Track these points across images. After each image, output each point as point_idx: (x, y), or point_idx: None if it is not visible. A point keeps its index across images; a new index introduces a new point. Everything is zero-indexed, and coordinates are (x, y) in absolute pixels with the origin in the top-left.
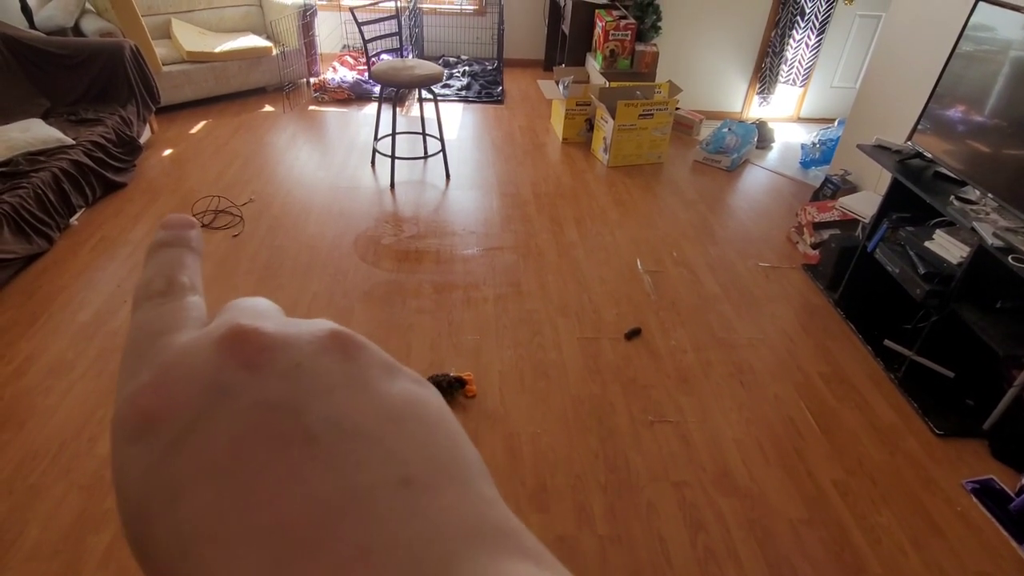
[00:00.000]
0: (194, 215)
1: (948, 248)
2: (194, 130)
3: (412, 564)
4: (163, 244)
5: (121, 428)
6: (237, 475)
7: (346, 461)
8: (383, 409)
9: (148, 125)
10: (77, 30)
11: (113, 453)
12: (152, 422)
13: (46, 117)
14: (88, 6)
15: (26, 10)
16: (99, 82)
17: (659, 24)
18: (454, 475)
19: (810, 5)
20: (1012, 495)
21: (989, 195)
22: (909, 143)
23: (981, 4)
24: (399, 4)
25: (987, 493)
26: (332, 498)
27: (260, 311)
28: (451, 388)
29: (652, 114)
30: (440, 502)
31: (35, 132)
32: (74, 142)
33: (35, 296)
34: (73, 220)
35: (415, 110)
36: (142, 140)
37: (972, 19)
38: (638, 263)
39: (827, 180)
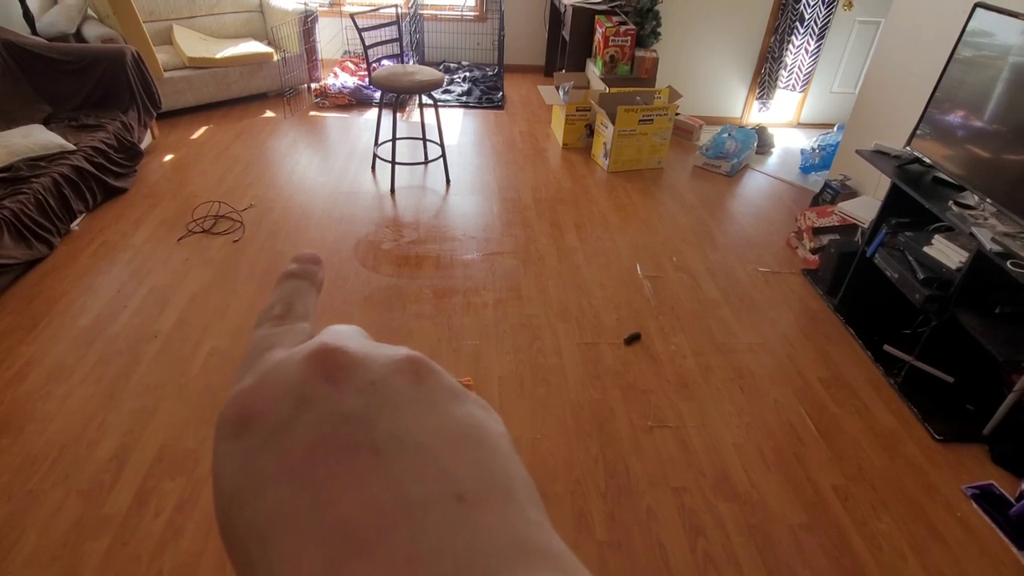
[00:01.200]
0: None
1: (947, 253)
2: (195, 135)
3: (456, 574)
4: (291, 275)
5: (224, 424)
6: (310, 476)
7: (405, 474)
8: (445, 430)
9: (149, 130)
10: (79, 36)
11: (215, 445)
12: (248, 421)
13: (47, 123)
14: (90, 12)
15: (28, 16)
16: (100, 88)
17: (659, 30)
18: (504, 497)
19: (809, 11)
20: (1012, 500)
21: (988, 200)
22: (908, 148)
23: (979, 10)
24: (400, 10)
25: (987, 499)
26: (389, 506)
27: (347, 334)
28: None
29: (652, 119)
30: (488, 519)
31: (36, 137)
32: (75, 147)
33: (35, 301)
34: (74, 225)
35: (416, 116)
36: (143, 145)
37: (970, 25)
38: (638, 268)
39: (827, 185)
